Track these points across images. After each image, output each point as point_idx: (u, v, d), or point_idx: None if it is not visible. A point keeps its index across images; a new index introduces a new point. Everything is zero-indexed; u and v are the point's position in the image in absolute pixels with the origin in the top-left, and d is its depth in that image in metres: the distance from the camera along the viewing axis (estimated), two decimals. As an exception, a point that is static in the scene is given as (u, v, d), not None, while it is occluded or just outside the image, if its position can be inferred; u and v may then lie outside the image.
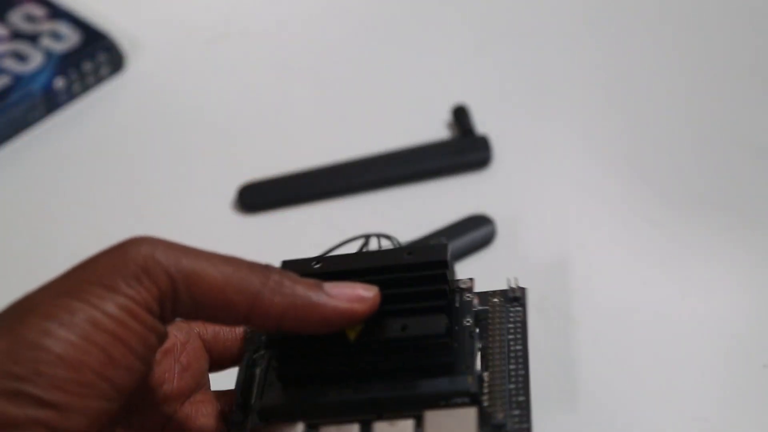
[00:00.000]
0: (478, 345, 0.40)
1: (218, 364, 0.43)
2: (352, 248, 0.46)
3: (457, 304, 0.41)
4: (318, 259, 0.40)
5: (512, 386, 0.39)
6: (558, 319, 0.54)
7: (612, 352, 0.53)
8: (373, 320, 0.38)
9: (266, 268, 0.36)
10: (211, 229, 0.58)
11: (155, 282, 0.35)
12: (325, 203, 0.60)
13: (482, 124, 0.63)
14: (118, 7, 0.70)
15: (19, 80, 0.62)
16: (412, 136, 0.62)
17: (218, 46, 0.69)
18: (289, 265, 0.40)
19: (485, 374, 0.39)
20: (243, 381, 0.41)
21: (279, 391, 0.39)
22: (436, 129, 0.63)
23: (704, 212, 0.59)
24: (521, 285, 0.43)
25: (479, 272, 0.56)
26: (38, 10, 0.66)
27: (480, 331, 0.41)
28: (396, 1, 0.72)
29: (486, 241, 0.57)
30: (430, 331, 0.38)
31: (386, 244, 0.46)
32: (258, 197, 0.59)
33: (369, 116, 0.65)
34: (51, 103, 0.63)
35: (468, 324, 0.41)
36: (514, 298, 0.42)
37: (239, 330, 0.42)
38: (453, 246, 0.56)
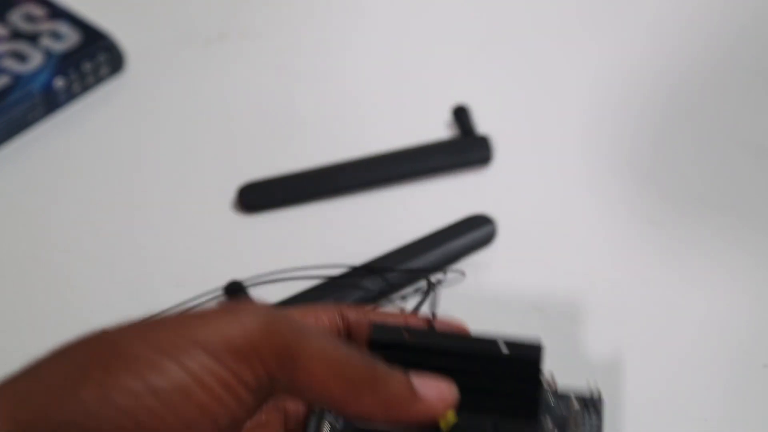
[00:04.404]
0: None
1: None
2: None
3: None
4: (409, 331, 0.40)
5: None
6: (558, 318, 0.54)
7: (612, 351, 0.53)
8: (466, 412, 0.38)
9: (372, 367, 0.36)
10: (211, 229, 0.58)
11: (263, 363, 0.33)
12: (325, 203, 0.60)
13: (482, 124, 0.63)
14: (118, 7, 0.70)
15: (19, 80, 0.62)
16: (413, 136, 0.62)
17: (217, 46, 0.69)
18: (379, 332, 0.40)
19: None
20: None
21: None
22: (436, 129, 0.63)
23: (705, 212, 0.59)
24: (597, 386, 0.43)
25: (479, 272, 0.56)
26: (38, 10, 0.66)
27: None
28: (396, 1, 0.72)
29: (486, 241, 0.57)
30: None
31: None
32: (258, 197, 0.59)
33: (369, 116, 0.65)
34: (51, 103, 0.63)
35: (550, 430, 0.41)
36: (593, 405, 0.42)
37: None
38: (453, 246, 0.56)
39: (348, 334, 0.41)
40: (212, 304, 0.35)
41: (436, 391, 0.37)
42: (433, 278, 0.47)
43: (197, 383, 0.32)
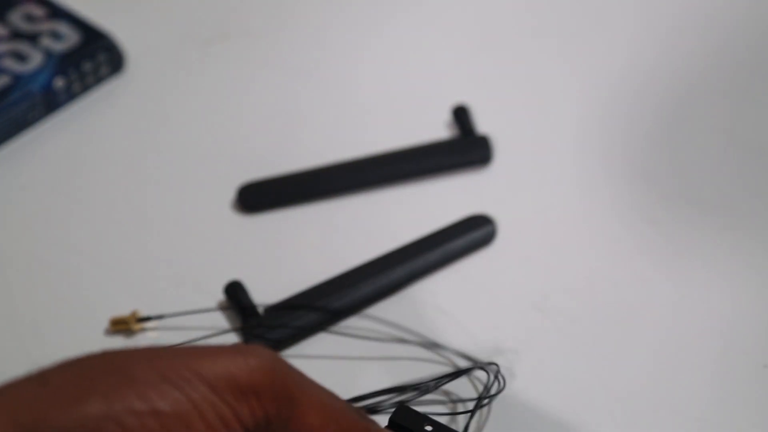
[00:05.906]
0: None
1: None
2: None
3: None
4: (432, 422, 0.43)
5: None
6: (558, 318, 0.54)
7: (612, 351, 0.53)
8: None
9: (365, 421, 0.38)
10: (211, 229, 0.58)
11: (262, 405, 0.35)
12: (325, 203, 0.60)
13: (482, 124, 0.63)
14: (118, 7, 0.70)
15: (19, 80, 0.62)
16: (413, 136, 0.62)
17: (218, 46, 0.68)
18: (401, 415, 0.42)
19: None
20: None
21: None
22: (436, 129, 0.63)
23: (704, 212, 0.59)
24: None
25: (479, 272, 0.56)
26: (38, 10, 0.66)
27: None
28: (396, 1, 0.72)
29: (486, 241, 0.57)
30: None
31: None
32: (258, 197, 0.59)
33: (369, 116, 0.65)
34: (51, 103, 0.63)
35: None
36: None
37: None
38: (453, 246, 0.56)
39: None
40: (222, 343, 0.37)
41: None
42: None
43: (198, 413, 0.33)
